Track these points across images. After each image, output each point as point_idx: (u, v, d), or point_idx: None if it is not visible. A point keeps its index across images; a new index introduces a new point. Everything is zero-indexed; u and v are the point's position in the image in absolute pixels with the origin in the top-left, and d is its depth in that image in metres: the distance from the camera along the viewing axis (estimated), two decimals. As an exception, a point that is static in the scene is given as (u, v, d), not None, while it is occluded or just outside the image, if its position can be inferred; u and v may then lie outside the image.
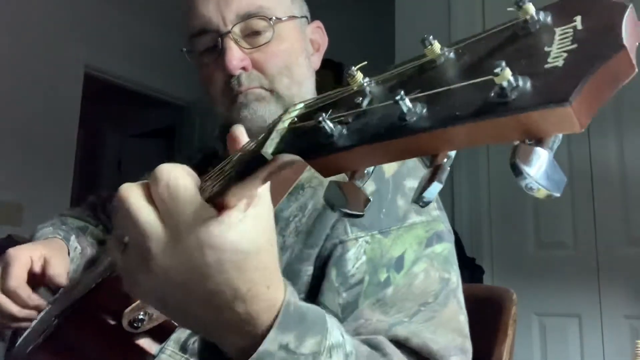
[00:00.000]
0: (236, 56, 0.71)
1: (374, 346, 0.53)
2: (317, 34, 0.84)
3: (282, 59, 0.74)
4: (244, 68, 0.72)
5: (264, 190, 0.37)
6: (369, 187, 0.65)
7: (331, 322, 0.44)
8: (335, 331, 0.44)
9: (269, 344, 0.37)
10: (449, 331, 0.59)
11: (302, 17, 0.80)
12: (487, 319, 0.85)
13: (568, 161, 2.11)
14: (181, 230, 0.34)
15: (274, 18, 0.73)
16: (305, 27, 0.81)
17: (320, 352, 0.41)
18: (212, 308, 0.36)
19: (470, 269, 2.15)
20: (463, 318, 0.62)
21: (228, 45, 0.71)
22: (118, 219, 0.37)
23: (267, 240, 0.37)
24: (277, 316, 0.38)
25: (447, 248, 0.65)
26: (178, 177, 0.35)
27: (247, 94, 0.72)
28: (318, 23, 0.85)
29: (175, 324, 0.42)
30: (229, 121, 0.73)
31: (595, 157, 2.07)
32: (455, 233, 0.70)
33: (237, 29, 0.72)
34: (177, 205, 0.34)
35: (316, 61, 0.83)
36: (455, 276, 0.64)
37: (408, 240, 0.63)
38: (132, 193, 0.36)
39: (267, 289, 0.38)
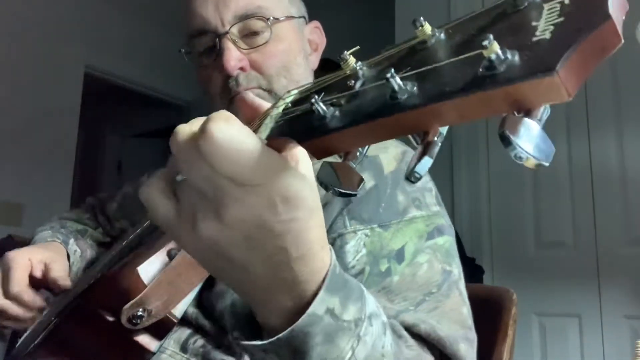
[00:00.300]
0: (234, 57, 0.71)
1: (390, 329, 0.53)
2: (315, 34, 0.84)
3: (280, 59, 0.74)
4: (242, 68, 0.72)
5: (300, 147, 0.35)
6: (368, 182, 0.66)
7: (366, 291, 0.44)
8: (371, 300, 0.43)
9: (317, 305, 0.37)
10: (452, 322, 0.59)
11: (300, 17, 0.80)
12: (487, 319, 0.85)
13: (568, 161, 2.11)
14: (259, 183, 0.32)
15: (271, 18, 0.73)
16: (303, 27, 0.82)
17: (361, 319, 0.40)
18: (272, 265, 0.35)
19: (470, 269, 2.15)
20: (465, 310, 0.62)
21: (226, 46, 0.72)
22: (178, 160, 0.34)
23: (318, 196, 0.36)
24: (325, 277, 0.37)
25: (448, 241, 0.65)
26: (233, 133, 0.32)
27: None
28: (316, 23, 0.85)
29: (228, 284, 0.40)
30: None
31: (595, 157, 2.07)
32: (455, 233, 0.70)
33: (235, 30, 0.73)
34: (250, 160, 0.32)
35: (314, 61, 0.83)
36: (456, 269, 0.64)
37: (408, 233, 0.63)
38: (194, 142, 0.32)
39: (322, 248, 0.37)
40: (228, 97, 0.74)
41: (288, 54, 0.75)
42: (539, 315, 2.11)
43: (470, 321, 0.62)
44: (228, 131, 0.31)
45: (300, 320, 0.36)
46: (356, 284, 0.43)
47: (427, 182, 0.70)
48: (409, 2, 2.59)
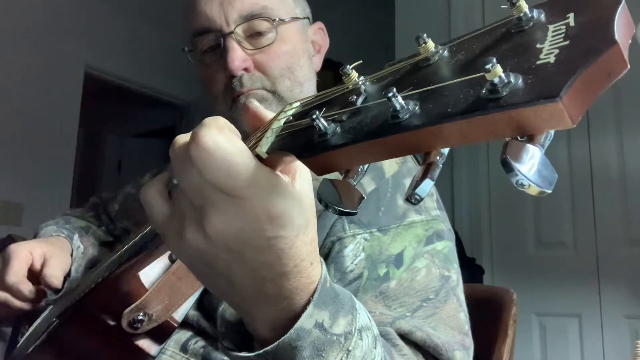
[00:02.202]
0: (238, 57, 0.71)
1: (384, 337, 0.53)
2: (319, 35, 0.84)
3: (285, 60, 0.74)
4: (246, 69, 0.72)
5: (298, 162, 0.35)
6: (369, 186, 0.65)
7: (359, 303, 0.44)
8: (363, 313, 0.43)
9: (305, 320, 0.37)
10: (449, 328, 0.59)
11: (304, 18, 0.80)
12: (487, 319, 0.85)
13: (568, 161, 2.11)
14: (243, 196, 0.32)
15: (277, 19, 0.73)
16: (307, 28, 0.81)
17: (351, 332, 0.40)
18: (257, 279, 0.35)
19: (470, 269, 2.15)
20: (463, 316, 0.62)
21: (231, 46, 0.71)
22: (173, 165, 0.34)
23: (313, 213, 0.36)
24: (314, 291, 0.38)
25: (447, 246, 0.65)
26: (226, 144, 0.32)
27: (249, 95, 0.72)
28: (320, 24, 0.85)
29: (213, 292, 0.40)
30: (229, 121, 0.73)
31: (595, 157, 2.07)
32: (455, 233, 0.70)
33: (240, 30, 0.72)
34: (236, 172, 0.32)
35: (317, 62, 0.83)
36: (455, 274, 0.64)
37: (407, 238, 0.63)
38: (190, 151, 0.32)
39: (311, 264, 0.37)
40: (231, 97, 0.73)
41: (292, 55, 0.75)
42: (539, 315, 2.11)
43: (467, 327, 0.62)
44: (218, 139, 0.32)
45: (287, 334, 0.37)
46: (348, 296, 0.42)
47: None
48: (409, 2, 2.59)
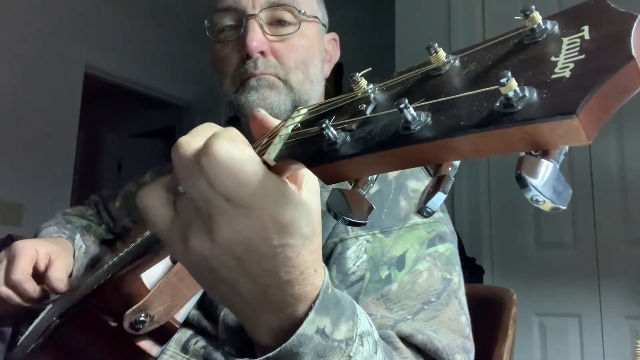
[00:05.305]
0: (258, 38, 0.72)
1: (385, 340, 0.53)
2: (331, 46, 0.86)
3: (301, 53, 0.75)
4: (262, 53, 0.73)
5: (305, 170, 0.35)
6: (372, 188, 0.65)
7: (359, 309, 0.44)
8: (364, 318, 0.43)
9: (307, 327, 0.37)
10: (450, 331, 0.59)
11: (323, 24, 0.82)
12: (487, 319, 0.85)
13: (568, 161, 2.11)
14: (252, 206, 0.32)
15: (303, 11, 0.75)
16: (324, 34, 0.83)
17: (352, 338, 0.40)
18: (261, 286, 0.35)
19: (470, 269, 2.15)
20: (464, 319, 0.62)
21: (252, 27, 0.72)
22: (178, 172, 0.34)
23: (319, 222, 0.36)
24: (316, 298, 0.38)
25: (449, 249, 0.65)
26: (234, 152, 0.32)
27: (260, 79, 0.73)
28: (334, 35, 0.86)
29: (216, 299, 0.40)
30: (233, 103, 0.75)
31: (595, 157, 2.07)
32: (456, 233, 0.70)
33: (263, 15, 0.73)
34: (246, 180, 0.31)
35: (327, 70, 0.84)
36: (457, 277, 0.63)
37: (410, 240, 0.63)
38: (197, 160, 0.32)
39: (315, 272, 0.37)
40: (241, 79, 0.74)
41: (309, 51, 0.76)
42: (539, 315, 2.11)
43: (468, 330, 0.62)
44: (231, 151, 0.31)
45: (289, 341, 0.37)
46: (349, 302, 0.43)
47: None
48: (409, 1, 2.59)
